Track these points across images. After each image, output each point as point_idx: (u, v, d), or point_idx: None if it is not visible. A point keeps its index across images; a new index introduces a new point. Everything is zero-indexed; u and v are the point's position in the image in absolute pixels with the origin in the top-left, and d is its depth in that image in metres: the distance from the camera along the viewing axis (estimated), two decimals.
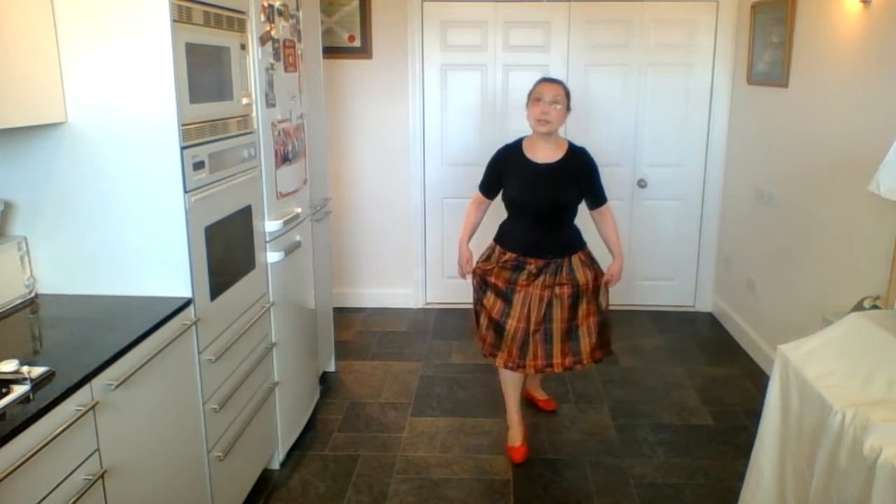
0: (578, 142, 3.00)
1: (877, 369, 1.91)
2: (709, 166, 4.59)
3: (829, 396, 1.86)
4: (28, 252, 2.15)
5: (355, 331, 4.44)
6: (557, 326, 2.88)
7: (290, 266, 2.93)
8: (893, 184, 2.22)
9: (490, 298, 2.93)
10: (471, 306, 3.12)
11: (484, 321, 2.97)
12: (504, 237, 2.98)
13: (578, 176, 2.90)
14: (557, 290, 2.87)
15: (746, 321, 4.18)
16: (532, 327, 2.86)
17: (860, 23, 2.98)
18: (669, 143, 4.57)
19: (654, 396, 3.57)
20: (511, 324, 2.87)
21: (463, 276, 3.10)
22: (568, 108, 2.89)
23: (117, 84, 2.01)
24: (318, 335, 3.46)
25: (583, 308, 2.91)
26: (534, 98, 2.86)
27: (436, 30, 4.46)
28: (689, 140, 4.57)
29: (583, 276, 2.90)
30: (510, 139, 3.03)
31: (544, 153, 2.90)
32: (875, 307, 2.57)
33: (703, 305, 4.81)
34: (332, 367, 3.85)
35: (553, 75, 4.45)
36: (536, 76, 4.41)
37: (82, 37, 1.98)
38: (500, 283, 2.90)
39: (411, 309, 4.81)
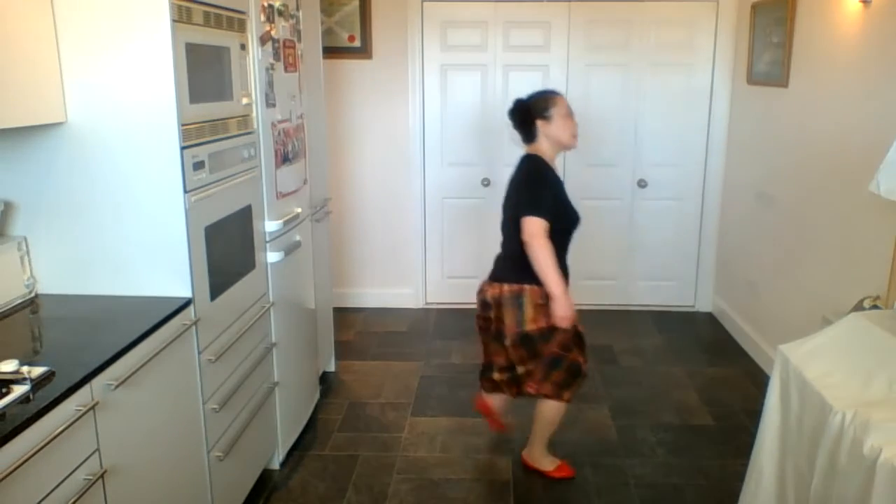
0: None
1: (877, 369, 1.91)
2: (709, 166, 4.59)
3: (829, 396, 1.86)
4: (28, 252, 2.15)
5: (355, 331, 4.44)
6: None
7: (290, 266, 2.93)
8: (893, 184, 2.22)
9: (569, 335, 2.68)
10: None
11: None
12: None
13: None
14: None
15: (746, 321, 4.18)
16: None
17: (860, 23, 2.97)
18: (669, 143, 4.57)
19: (654, 396, 3.57)
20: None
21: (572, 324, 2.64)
22: None
23: (117, 84, 2.01)
24: (317, 335, 3.46)
25: None
26: (564, 114, 2.63)
27: (436, 30, 4.46)
28: (688, 140, 4.57)
29: None
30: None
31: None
32: (875, 307, 2.57)
33: (703, 305, 4.81)
34: (332, 367, 3.85)
35: (553, 75, 4.48)
36: (537, 76, 4.47)
37: (82, 37, 1.98)
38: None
39: (411, 309, 4.81)
